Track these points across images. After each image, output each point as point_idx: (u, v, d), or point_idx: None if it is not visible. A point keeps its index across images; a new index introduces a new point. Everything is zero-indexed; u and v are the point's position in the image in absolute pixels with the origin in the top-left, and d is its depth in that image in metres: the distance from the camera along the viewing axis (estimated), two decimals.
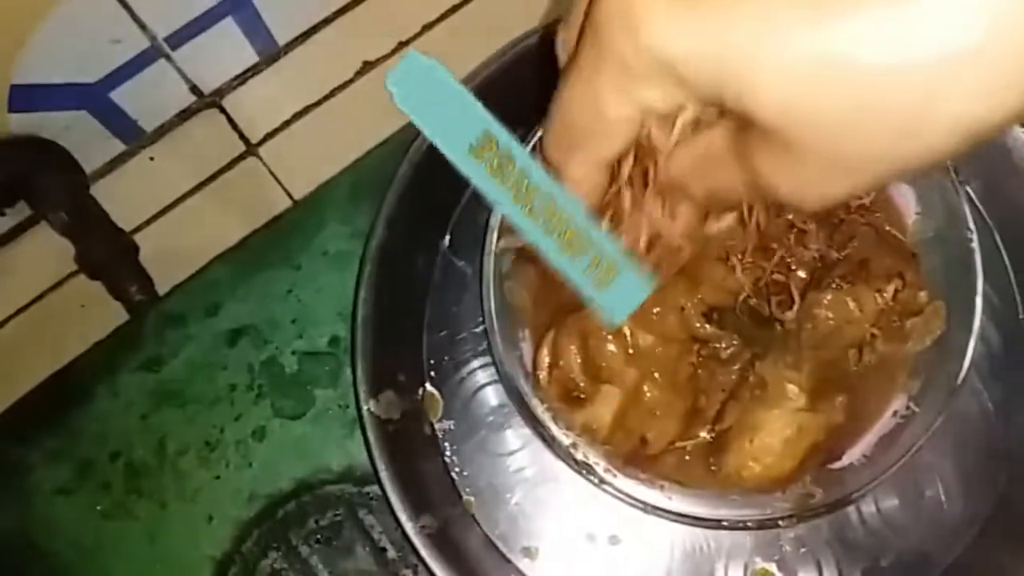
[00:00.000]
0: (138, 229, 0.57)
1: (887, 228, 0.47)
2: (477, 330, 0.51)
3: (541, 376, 0.45)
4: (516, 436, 0.50)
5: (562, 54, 0.31)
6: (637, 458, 0.45)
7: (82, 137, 0.51)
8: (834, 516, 0.48)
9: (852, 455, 0.46)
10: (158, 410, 0.54)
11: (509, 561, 0.49)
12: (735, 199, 0.30)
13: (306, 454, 0.53)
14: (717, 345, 0.43)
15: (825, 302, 0.41)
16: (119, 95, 0.51)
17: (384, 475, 0.48)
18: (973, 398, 0.50)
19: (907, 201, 0.48)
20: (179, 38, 0.50)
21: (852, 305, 0.41)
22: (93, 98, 0.50)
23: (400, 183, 0.50)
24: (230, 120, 0.56)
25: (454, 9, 0.58)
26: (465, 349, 0.52)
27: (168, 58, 0.51)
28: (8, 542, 0.53)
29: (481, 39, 0.53)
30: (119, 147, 0.55)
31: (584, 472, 0.45)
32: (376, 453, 0.48)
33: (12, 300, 0.56)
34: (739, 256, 0.42)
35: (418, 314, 0.52)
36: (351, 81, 0.58)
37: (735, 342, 0.43)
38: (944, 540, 0.48)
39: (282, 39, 0.55)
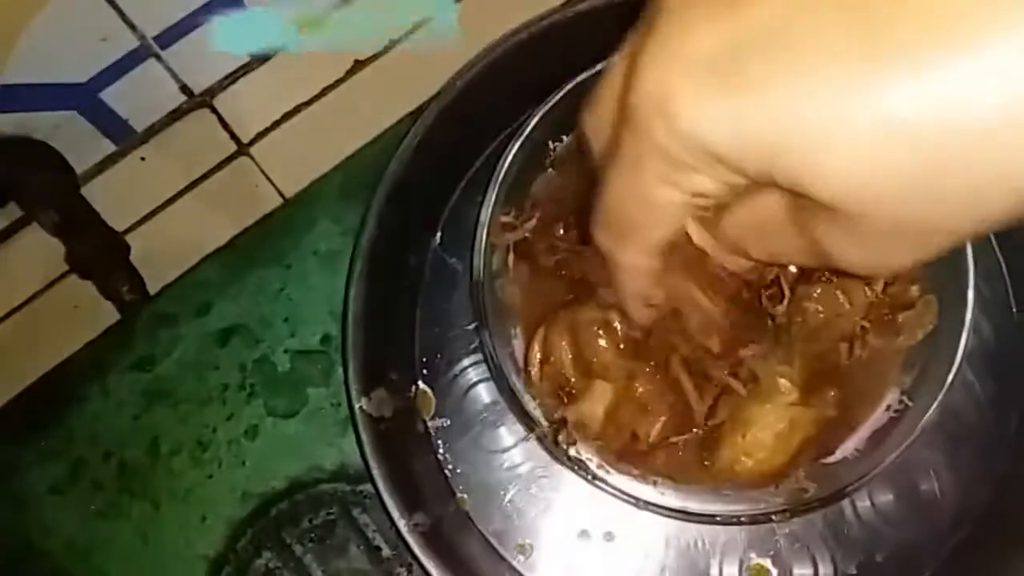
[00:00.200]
0: (129, 229, 0.57)
1: None
2: (469, 327, 0.51)
3: (532, 372, 0.45)
4: (509, 433, 0.50)
5: (594, 142, 0.30)
6: (630, 454, 0.44)
7: (73, 137, 0.51)
8: (829, 511, 0.48)
9: (845, 449, 0.45)
10: (150, 410, 0.54)
11: (503, 559, 0.49)
12: (797, 262, 0.29)
13: (299, 453, 0.53)
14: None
15: (815, 295, 0.41)
16: (109, 95, 0.51)
17: (377, 473, 0.47)
18: (967, 392, 0.49)
19: None
20: (169, 37, 0.50)
21: (842, 298, 0.41)
22: (83, 98, 0.50)
23: (390, 181, 0.50)
24: (221, 120, 0.56)
25: None
26: (457, 346, 0.52)
27: (158, 57, 0.51)
28: (2, 542, 0.53)
29: (474, 36, 0.53)
30: (110, 147, 0.54)
31: (577, 468, 0.44)
32: (369, 451, 0.48)
33: (4, 301, 0.56)
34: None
35: (409, 312, 0.52)
36: (342, 80, 0.58)
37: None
38: (939, 534, 0.48)
39: None
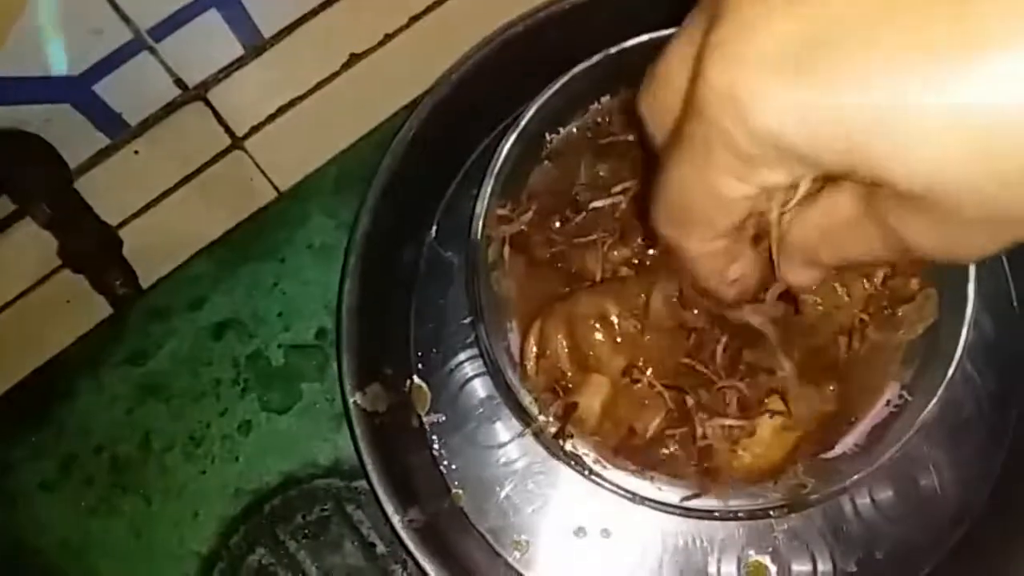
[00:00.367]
0: (123, 223, 0.56)
1: None
2: (465, 322, 0.50)
3: (528, 366, 0.45)
4: (505, 428, 0.50)
5: (654, 127, 0.30)
6: (626, 448, 0.44)
7: (66, 131, 0.51)
8: (828, 507, 0.48)
9: (844, 445, 0.45)
10: (143, 404, 0.54)
11: (499, 555, 0.49)
12: (872, 262, 0.28)
13: (293, 448, 0.53)
14: (705, 332, 0.43)
15: (813, 288, 0.41)
16: (102, 88, 0.50)
17: (371, 469, 0.47)
18: (967, 387, 0.49)
19: None
20: (163, 30, 0.50)
21: (840, 291, 0.41)
22: (76, 91, 0.49)
23: (384, 174, 0.49)
24: (215, 113, 0.56)
25: (441, 1, 0.58)
26: (453, 341, 0.51)
27: (152, 50, 0.50)
28: None
29: (468, 29, 0.53)
30: (103, 141, 0.54)
31: (573, 463, 0.44)
32: (363, 446, 0.47)
33: None
34: None
35: (404, 306, 0.52)
36: (337, 74, 0.58)
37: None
38: (939, 530, 0.48)
39: (267, 31, 0.55)
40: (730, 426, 0.41)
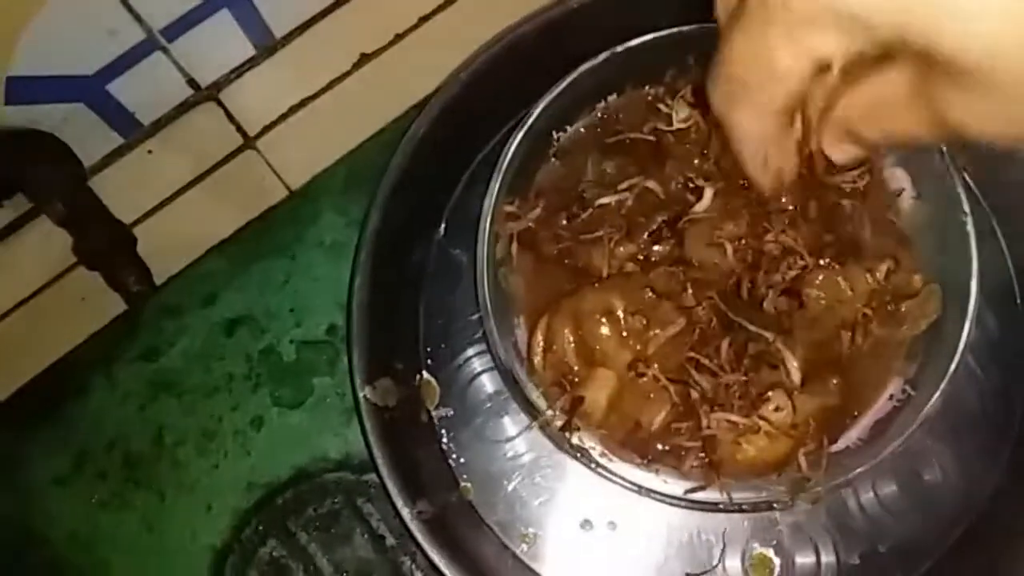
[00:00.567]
0: (137, 221, 0.57)
1: (882, 212, 0.47)
2: (473, 318, 0.51)
3: (536, 361, 0.45)
4: (513, 423, 0.50)
5: (721, 12, 0.31)
6: (632, 441, 0.44)
7: (80, 130, 0.52)
8: (832, 501, 0.48)
9: (848, 438, 0.46)
10: (155, 400, 0.54)
11: (507, 547, 0.49)
12: (914, 140, 0.29)
13: (304, 443, 0.53)
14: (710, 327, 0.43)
15: (816, 282, 0.41)
16: (116, 87, 0.51)
17: (381, 462, 0.48)
18: (971, 383, 0.49)
19: (903, 185, 0.48)
20: (175, 30, 0.50)
21: (843, 285, 0.41)
22: (90, 90, 0.50)
23: (394, 173, 0.50)
24: (228, 113, 0.57)
25: (450, 1, 0.58)
26: (462, 337, 0.52)
27: (164, 50, 0.51)
28: (5, 532, 0.54)
29: (477, 29, 0.53)
30: (117, 140, 0.55)
31: (579, 456, 0.45)
32: (373, 440, 0.48)
33: (12, 292, 0.56)
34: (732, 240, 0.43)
35: (414, 302, 0.52)
36: (348, 74, 0.58)
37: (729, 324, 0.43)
38: (942, 524, 0.48)
39: (279, 31, 0.55)
40: (734, 422, 0.42)
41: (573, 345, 0.44)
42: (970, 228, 0.45)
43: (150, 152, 0.56)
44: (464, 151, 0.54)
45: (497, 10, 0.54)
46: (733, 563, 0.48)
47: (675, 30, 0.46)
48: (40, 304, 0.56)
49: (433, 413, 0.51)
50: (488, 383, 0.51)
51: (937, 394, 0.43)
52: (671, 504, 0.45)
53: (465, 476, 0.50)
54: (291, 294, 0.55)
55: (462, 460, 0.51)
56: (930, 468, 0.49)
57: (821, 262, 0.41)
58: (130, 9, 0.48)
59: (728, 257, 0.42)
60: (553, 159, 0.49)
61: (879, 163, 0.48)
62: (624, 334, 0.43)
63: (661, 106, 0.46)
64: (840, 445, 0.45)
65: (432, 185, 0.53)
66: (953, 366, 0.43)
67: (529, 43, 0.51)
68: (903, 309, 0.44)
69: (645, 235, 0.44)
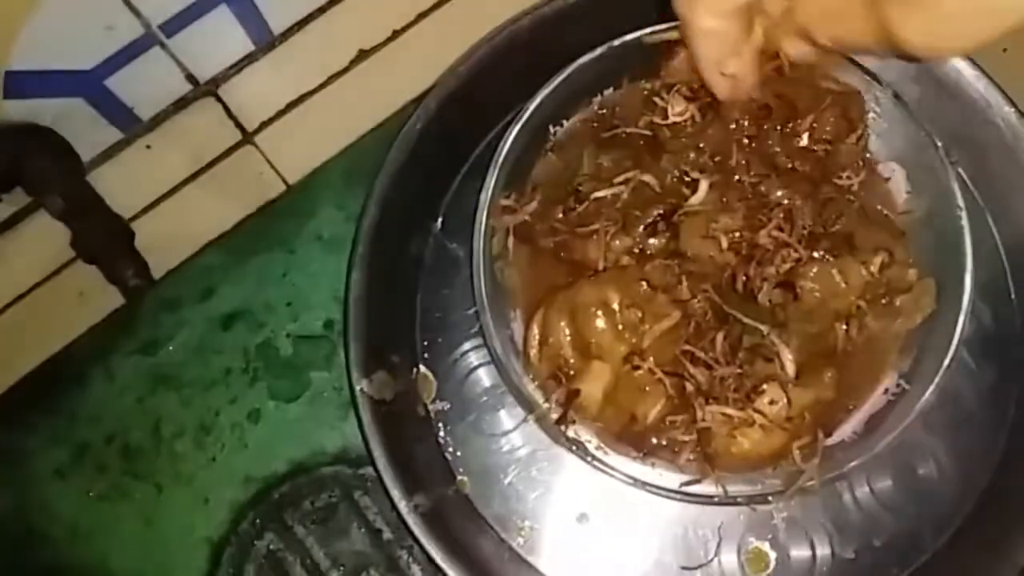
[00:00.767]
0: (135, 216, 0.57)
1: (877, 207, 0.47)
2: (470, 312, 0.51)
3: (532, 354, 0.46)
4: (509, 416, 0.50)
5: None
6: (628, 434, 0.45)
7: (79, 125, 0.52)
8: (827, 496, 0.49)
9: (843, 432, 0.46)
10: (154, 393, 0.55)
11: (503, 540, 0.50)
12: (860, 47, 0.31)
13: (301, 436, 0.54)
14: (705, 320, 0.44)
15: (811, 275, 0.41)
16: (115, 82, 0.51)
17: (377, 455, 0.48)
18: (966, 376, 0.49)
19: (897, 180, 0.48)
20: (174, 26, 0.50)
21: (838, 278, 0.41)
22: (88, 85, 0.50)
23: (391, 166, 0.50)
24: (226, 109, 0.57)
25: None
26: (458, 330, 0.52)
27: (163, 45, 0.51)
28: (4, 525, 0.54)
29: (475, 25, 0.54)
30: (116, 135, 0.55)
31: (575, 449, 0.45)
32: (369, 433, 0.48)
33: (11, 287, 0.57)
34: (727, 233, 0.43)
35: (411, 296, 0.52)
36: (346, 69, 0.58)
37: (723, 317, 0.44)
38: (937, 519, 0.48)
39: (277, 28, 0.55)
40: (729, 415, 0.42)
41: (569, 338, 0.45)
42: (964, 223, 0.45)
43: (148, 147, 0.56)
44: (461, 145, 0.54)
45: (494, 5, 0.54)
46: (729, 557, 0.49)
47: (671, 24, 0.46)
48: (39, 298, 0.56)
49: (430, 407, 0.51)
50: (485, 377, 0.51)
51: (932, 388, 0.44)
52: (667, 497, 0.45)
53: (462, 470, 0.50)
54: (289, 288, 0.55)
55: (459, 454, 0.51)
56: (925, 462, 0.49)
57: (815, 255, 0.42)
58: (129, 4, 0.48)
59: (723, 250, 0.43)
60: (549, 153, 0.49)
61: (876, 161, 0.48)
62: (620, 327, 0.43)
63: (657, 100, 0.46)
64: (835, 438, 0.45)
65: (429, 179, 0.53)
66: (948, 360, 0.44)
67: (526, 38, 0.51)
68: (898, 303, 0.44)
69: (641, 228, 0.44)
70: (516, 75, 0.49)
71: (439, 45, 0.54)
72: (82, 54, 0.48)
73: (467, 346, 0.52)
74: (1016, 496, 0.48)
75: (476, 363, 0.51)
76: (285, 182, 0.58)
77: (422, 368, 0.52)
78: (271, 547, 0.52)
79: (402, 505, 0.47)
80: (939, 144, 0.46)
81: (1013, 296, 0.51)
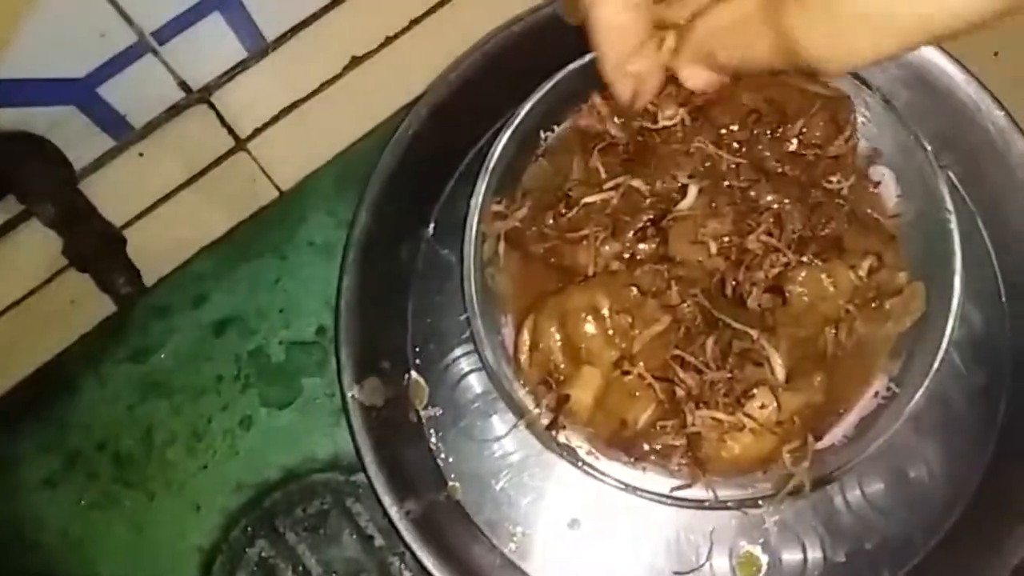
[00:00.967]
0: (128, 223, 0.57)
1: (867, 210, 0.47)
2: (462, 317, 0.51)
3: (522, 359, 0.46)
4: (501, 422, 0.50)
5: None
6: (618, 440, 0.45)
7: (71, 132, 0.52)
8: (819, 499, 0.48)
9: (834, 436, 0.46)
10: (145, 401, 0.54)
11: (495, 547, 0.49)
12: (758, 64, 0.30)
13: (293, 443, 0.54)
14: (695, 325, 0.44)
15: (799, 279, 0.41)
16: (107, 90, 0.51)
17: (369, 462, 0.48)
18: (956, 380, 0.50)
19: (887, 184, 0.49)
20: (166, 33, 0.51)
21: (826, 281, 0.41)
22: (81, 93, 0.50)
23: (383, 173, 0.50)
24: (219, 116, 0.57)
25: (441, 4, 0.59)
26: (450, 336, 0.52)
27: (155, 53, 0.51)
28: None
29: (468, 31, 0.54)
30: (108, 143, 0.55)
31: (566, 454, 0.45)
32: (360, 439, 0.48)
33: (2, 295, 0.57)
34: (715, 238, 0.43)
35: (402, 302, 0.52)
36: (339, 76, 0.59)
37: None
38: (928, 521, 0.48)
39: (270, 35, 0.56)
40: (719, 419, 0.42)
41: (559, 343, 0.45)
42: (953, 226, 0.45)
43: (141, 155, 0.56)
44: (452, 151, 0.54)
45: (487, 12, 0.54)
46: (720, 561, 0.48)
47: None
48: (30, 306, 0.57)
49: (421, 413, 0.51)
50: (476, 383, 0.51)
51: (921, 391, 0.44)
52: (658, 502, 0.45)
53: (453, 476, 0.50)
54: (281, 294, 0.55)
55: (450, 460, 0.51)
56: (915, 465, 0.49)
57: (804, 259, 0.42)
58: (121, 12, 0.48)
59: (712, 255, 0.43)
60: (540, 159, 0.49)
61: (866, 165, 0.48)
62: (610, 332, 0.43)
63: (647, 105, 0.46)
64: (826, 442, 0.45)
65: (421, 185, 0.53)
66: (937, 363, 0.44)
67: (517, 44, 0.52)
68: (887, 306, 0.44)
69: (630, 234, 0.44)
70: (507, 81, 0.49)
71: (432, 51, 0.55)
72: (74, 62, 0.49)
73: (459, 352, 0.52)
74: (1006, 498, 0.48)
75: (468, 369, 0.51)
76: (277, 188, 0.59)
77: (414, 374, 0.52)
78: (263, 554, 0.52)
79: (393, 511, 0.47)
80: (928, 148, 0.46)
81: (1003, 299, 0.51)
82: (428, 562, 0.47)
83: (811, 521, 0.48)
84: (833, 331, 0.43)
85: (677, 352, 0.43)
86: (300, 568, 0.52)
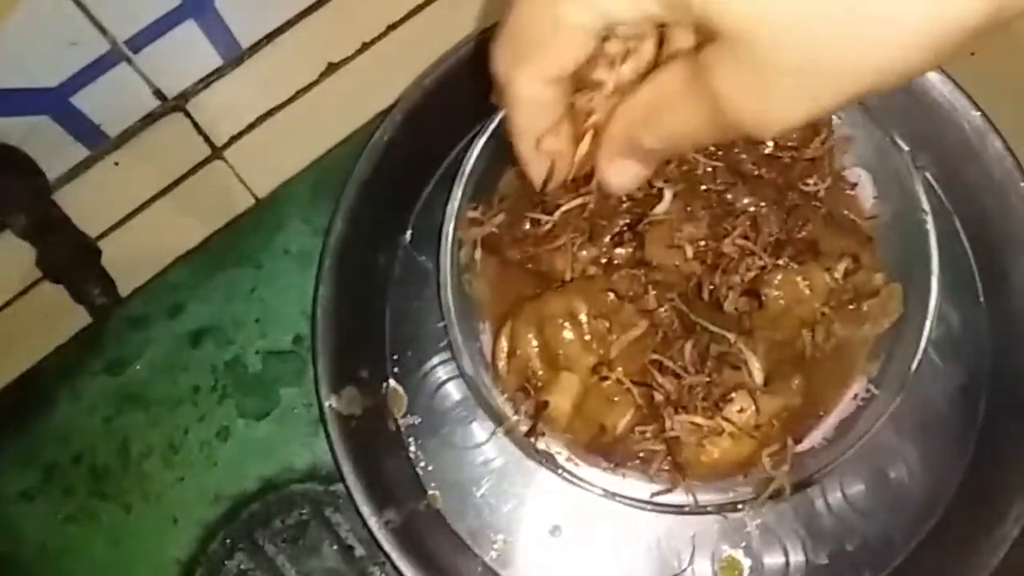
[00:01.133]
0: (103, 233, 0.57)
1: (844, 212, 0.47)
2: (440, 325, 0.50)
3: (500, 366, 0.45)
4: (481, 429, 0.50)
5: None
6: (597, 446, 0.44)
7: (45, 142, 0.51)
8: (800, 502, 0.49)
9: (813, 439, 0.46)
10: (121, 413, 0.54)
11: (476, 555, 0.49)
12: (690, 141, 0.29)
13: (271, 453, 0.53)
14: (672, 330, 0.44)
15: (775, 282, 0.41)
16: (80, 99, 0.51)
17: (347, 471, 0.47)
18: (935, 380, 0.50)
19: (864, 185, 0.49)
20: (140, 41, 0.50)
21: (802, 284, 0.41)
22: (54, 103, 0.50)
23: (359, 179, 0.50)
24: (195, 124, 0.56)
25: (418, 9, 0.59)
26: (428, 344, 0.52)
27: (129, 61, 0.51)
28: None
29: (445, 37, 0.54)
30: (83, 152, 0.54)
31: (545, 461, 0.44)
32: (338, 449, 0.48)
33: None
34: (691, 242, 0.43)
35: (380, 310, 0.52)
36: (316, 83, 0.58)
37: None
38: (910, 522, 0.49)
39: (245, 42, 0.55)
40: (698, 424, 0.42)
41: (537, 349, 0.44)
42: (930, 227, 0.45)
43: (116, 164, 0.55)
44: (429, 157, 0.54)
45: (465, 17, 0.54)
46: (703, 566, 0.48)
47: None
48: (4, 318, 0.56)
49: (400, 421, 0.51)
50: (455, 390, 0.51)
51: (901, 392, 0.44)
52: (639, 508, 0.44)
53: (433, 484, 0.50)
54: (257, 304, 0.55)
55: (430, 468, 0.50)
56: (896, 466, 0.49)
57: (780, 262, 0.42)
58: (94, 20, 0.47)
59: (688, 259, 0.43)
60: (516, 164, 0.49)
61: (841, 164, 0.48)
62: (587, 337, 0.43)
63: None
64: (806, 445, 0.45)
65: (397, 191, 0.53)
66: (916, 364, 0.44)
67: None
68: (865, 308, 0.44)
69: (607, 238, 0.44)
70: (483, 87, 0.49)
71: (410, 57, 0.54)
72: (47, 71, 0.48)
73: (437, 359, 0.51)
74: (987, 497, 0.48)
75: (446, 376, 0.51)
76: (254, 196, 0.58)
77: (392, 382, 0.51)
78: (242, 567, 0.52)
79: (373, 521, 0.47)
80: (905, 149, 0.46)
81: (982, 298, 0.51)
82: (409, 572, 0.47)
83: (792, 524, 0.48)
84: (811, 334, 0.43)
85: (655, 357, 0.43)
86: None
